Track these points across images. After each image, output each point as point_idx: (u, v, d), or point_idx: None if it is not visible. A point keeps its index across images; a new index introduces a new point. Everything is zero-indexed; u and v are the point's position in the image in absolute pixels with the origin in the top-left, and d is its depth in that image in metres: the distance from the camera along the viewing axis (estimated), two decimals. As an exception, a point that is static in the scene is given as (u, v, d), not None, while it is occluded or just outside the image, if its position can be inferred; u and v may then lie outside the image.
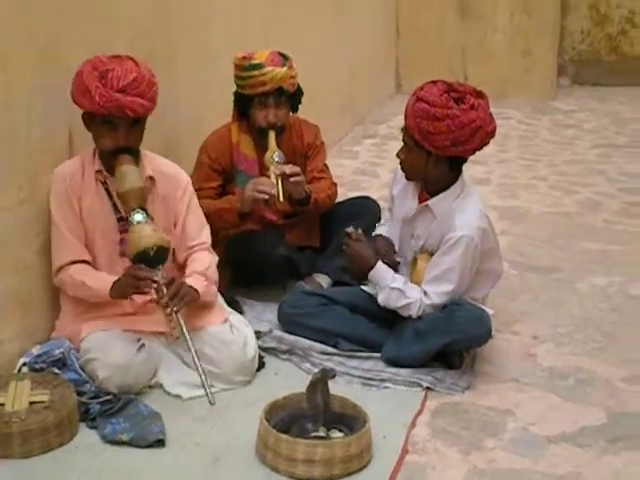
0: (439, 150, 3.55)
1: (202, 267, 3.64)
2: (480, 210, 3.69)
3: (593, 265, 5.03)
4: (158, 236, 3.39)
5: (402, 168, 3.74)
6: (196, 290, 3.48)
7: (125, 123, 3.42)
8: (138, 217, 3.39)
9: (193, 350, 3.27)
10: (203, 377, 3.24)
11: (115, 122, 3.40)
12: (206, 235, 3.77)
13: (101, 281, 3.47)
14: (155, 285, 3.35)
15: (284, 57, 4.27)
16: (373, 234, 4.03)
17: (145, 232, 3.36)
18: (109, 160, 3.49)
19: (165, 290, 3.34)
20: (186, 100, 4.48)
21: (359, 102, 8.72)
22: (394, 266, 3.83)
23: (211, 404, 3.23)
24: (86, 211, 3.54)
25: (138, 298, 3.54)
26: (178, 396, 3.46)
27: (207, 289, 3.60)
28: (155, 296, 3.37)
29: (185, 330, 3.32)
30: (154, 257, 3.36)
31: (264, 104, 4.25)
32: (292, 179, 4.15)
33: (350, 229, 3.83)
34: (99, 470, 2.98)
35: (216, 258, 3.78)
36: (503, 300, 4.36)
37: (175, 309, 3.33)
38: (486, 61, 9.92)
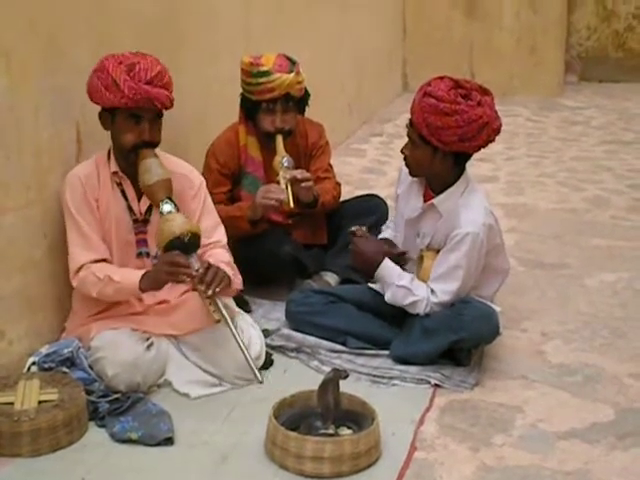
0: (446, 145, 3.55)
1: (226, 259, 3.66)
2: (485, 206, 3.69)
3: (601, 261, 5.03)
4: (191, 223, 3.45)
5: (407, 164, 3.74)
6: (227, 275, 3.50)
7: (149, 116, 3.45)
8: (167, 207, 3.43)
9: (235, 331, 3.36)
10: (248, 356, 3.35)
11: (140, 116, 3.43)
12: (221, 234, 3.77)
13: (129, 275, 3.47)
14: (192, 272, 3.37)
15: (291, 62, 4.25)
16: (379, 237, 4.03)
17: (177, 220, 3.41)
18: (127, 159, 3.51)
19: (202, 275, 3.37)
20: (190, 98, 4.49)
21: (366, 100, 8.72)
22: (401, 264, 3.83)
23: (259, 382, 3.35)
24: (103, 213, 3.55)
25: (148, 298, 3.55)
26: (186, 395, 3.46)
27: (235, 278, 3.62)
28: (190, 283, 3.41)
29: (225, 312, 3.38)
30: (188, 243, 3.40)
31: (272, 110, 4.24)
32: (303, 184, 4.15)
33: (355, 227, 3.84)
34: (108, 468, 2.99)
35: (232, 258, 3.77)
36: (511, 297, 4.35)
37: (216, 291, 3.37)
38: (493, 59, 9.91)
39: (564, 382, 3.64)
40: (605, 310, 4.35)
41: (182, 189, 3.65)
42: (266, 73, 4.17)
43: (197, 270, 3.38)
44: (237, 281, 3.67)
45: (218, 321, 3.39)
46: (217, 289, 3.36)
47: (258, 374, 3.36)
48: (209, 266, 3.41)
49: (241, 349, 3.36)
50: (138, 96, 3.36)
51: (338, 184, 4.58)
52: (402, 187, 3.90)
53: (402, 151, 3.73)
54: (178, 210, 3.46)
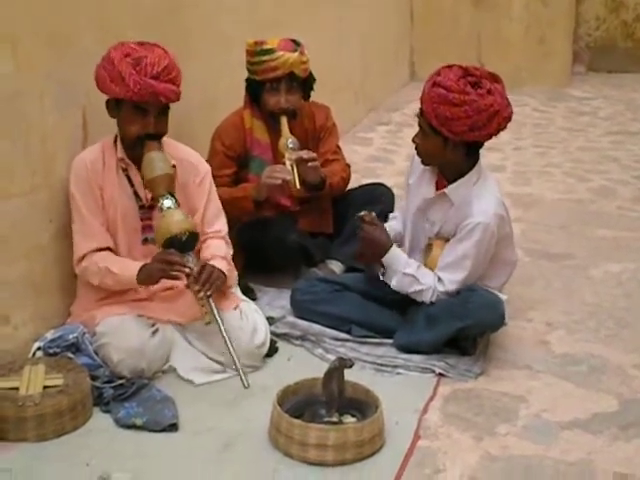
0: (457, 135, 3.52)
1: (222, 252, 3.66)
2: (497, 197, 3.67)
3: (606, 252, 5.02)
4: (189, 222, 3.44)
5: (418, 153, 3.72)
6: (223, 273, 3.51)
7: (155, 110, 3.44)
8: (168, 203, 3.43)
9: (225, 334, 3.33)
10: (236, 360, 3.31)
11: (146, 108, 3.42)
12: (222, 223, 3.78)
13: (127, 267, 3.48)
14: (187, 270, 3.38)
15: (296, 43, 4.27)
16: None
17: (176, 217, 3.40)
18: (133, 147, 3.50)
19: (197, 275, 3.38)
20: (198, 86, 4.48)
21: (373, 89, 8.70)
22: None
23: (245, 387, 3.29)
24: (107, 199, 3.55)
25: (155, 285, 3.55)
26: (191, 381, 3.47)
27: (230, 273, 3.64)
28: (186, 281, 3.41)
29: (217, 315, 3.37)
30: (185, 242, 3.41)
31: (276, 89, 4.24)
32: (310, 164, 4.14)
33: (364, 212, 3.82)
34: (112, 454, 2.99)
35: (231, 249, 3.78)
36: (517, 287, 4.34)
37: (208, 294, 3.38)
38: (501, 49, 9.86)
39: (568, 372, 3.64)
40: (610, 301, 4.35)
41: (187, 177, 3.66)
42: (269, 51, 4.18)
43: (192, 269, 3.39)
44: (232, 276, 3.69)
45: (209, 323, 3.39)
46: (209, 292, 3.38)
47: (245, 379, 3.32)
48: (204, 266, 3.43)
49: (230, 352, 3.34)
50: (143, 91, 3.35)
51: (348, 166, 4.56)
52: (414, 176, 3.88)
53: (413, 140, 3.71)
54: (179, 205, 3.46)
